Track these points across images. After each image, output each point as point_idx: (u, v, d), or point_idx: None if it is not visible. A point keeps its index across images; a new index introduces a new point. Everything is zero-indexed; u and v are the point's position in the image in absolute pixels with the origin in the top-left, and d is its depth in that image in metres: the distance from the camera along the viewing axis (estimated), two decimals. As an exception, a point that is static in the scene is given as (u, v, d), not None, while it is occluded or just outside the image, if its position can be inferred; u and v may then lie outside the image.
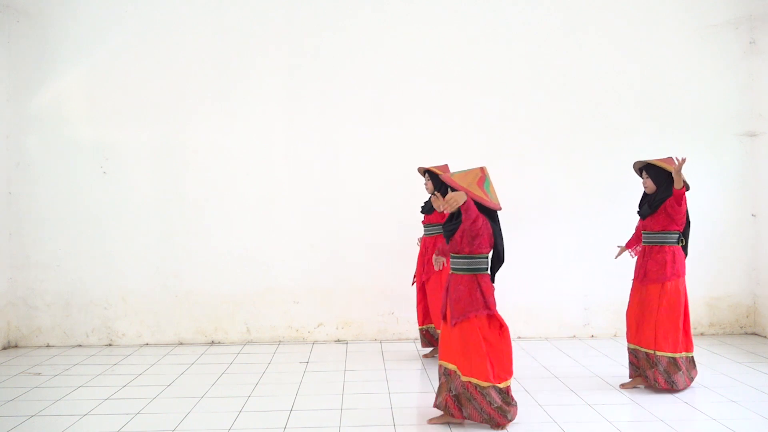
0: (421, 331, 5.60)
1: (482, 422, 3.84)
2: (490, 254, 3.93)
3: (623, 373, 4.98)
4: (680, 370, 4.49)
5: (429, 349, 5.77)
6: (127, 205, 6.26)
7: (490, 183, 3.94)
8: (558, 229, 6.41)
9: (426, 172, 5.45)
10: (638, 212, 4.76)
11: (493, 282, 3.95)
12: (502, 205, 3.97)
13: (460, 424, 3.94)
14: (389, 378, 5.02)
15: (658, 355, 4.51)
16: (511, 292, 6.37)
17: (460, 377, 3.83)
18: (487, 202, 3.84)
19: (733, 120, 6.51)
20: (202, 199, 6.29)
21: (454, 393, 3.86)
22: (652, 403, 4.33)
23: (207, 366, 5.44)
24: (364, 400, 4.45)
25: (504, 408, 3.82)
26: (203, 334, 6.30)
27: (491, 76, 6.41)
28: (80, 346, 6.22)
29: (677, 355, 4.50)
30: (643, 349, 4.60)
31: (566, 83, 6.43)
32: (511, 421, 3.89)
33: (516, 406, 3.93)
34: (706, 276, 6.44)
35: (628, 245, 4.94)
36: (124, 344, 6.25)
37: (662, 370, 4.49)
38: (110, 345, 6.25)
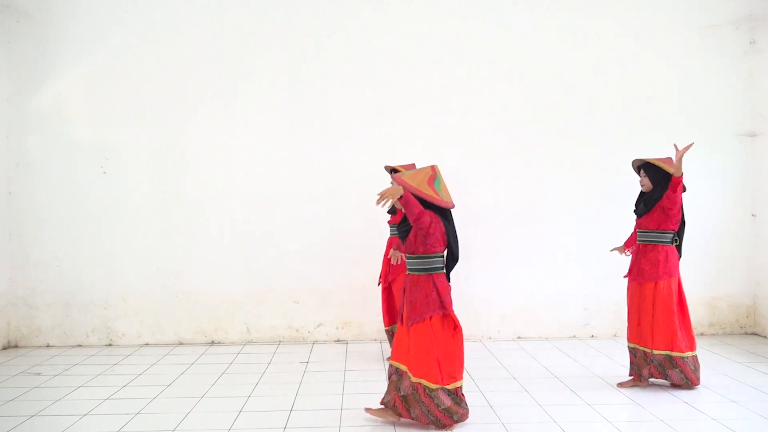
0: (387, 332, 5.54)
1: (428, 424, 3.82)
2: (446, 253, 3.92)
3: (623, 373, 4.98)
4: (677, 367, 4.51)
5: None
6: (127, 205, 6.26)
7: (441, 181, 3.92)
8: (558, 229, 6.41)
9: (392, 170, 5.40)
10: (634, 210, 4.78)
11: (449, 281, 3.93)
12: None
13: (407, 424, 3.94)
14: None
15: (654, 353, 4.54)
16: (511, 292, 6.40)
17: (410, 378, 3.81)
18: (438, 200, 3.82)
19: (733, 120, 6.51)
20: (202, 199, 6.28)
21: (402, 393, 3.85)
22: (652, 403, 4.33)
23: (207, 366, 5.44)
24: (364, 400, 4.44)
25: (452, 409, 3.80)
26: (203, 334, 6.30)
27: (492, 77, 6.40)
28: (80, 346, 6.22)
29: (674, 354, 4.51)
30: (641, 348, 4.63)
31: (566, 83, 6.43)
32: (458, 422, 3.86)
33: (466, 408, 3.90)
34: (706, 276, 6.44)
35: (627, 245, 4.95)
36: (124, 344, 6.25)
37: (656, 364, 4.54)
38: (110, 345, 6.25)
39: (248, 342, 6.29)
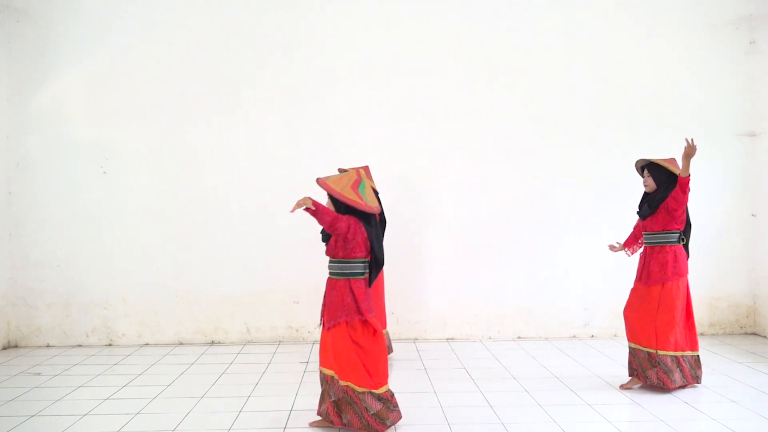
0: None
1: (361, 428, 3.76)
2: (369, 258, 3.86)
3: (623, 373, 4.98)
4: (681, 368, 4.50)
5: None
6: (127, 205, 6.26)
7: (367, 185, 3.88)
8: (558, 230, 6.41)
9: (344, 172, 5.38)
10: (638, 212, 4.76)
11: (369, 286, 3.86)
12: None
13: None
14: (389, 378, 5.00)
15: (659, 354, 4.51)
16: (511, 292, 6.40)
17: (338, 382, 3.76)
18: (361, 205, 3.76)
19: (733, 120, 6.52)
20: (202, 199, 6.28)
21: (333, 399, 3.79)
22: (652, 403, 4.33)
23: (207, 366, 5.44)
24: (364, 400, 4.44)
25: (382, 414, 3.76)
26: (203, 334, 6.30)
27: (493, 78, 6.40)
28: (80, 346, 6.22)
29: (679, 354, 4.50)
30: (645, 349, 4.60)
31: (567, 84, 6.43)
32: (390, 426, 3.83)
33: (398, 410, 3.86)
34: (707, 276, 6.44)
35: (626, 244, 4.94)
36: (124, 344, 6.25)
37: (664, 368, 4.49)
38: (110, 345, 6.25)
39: (248, 342, 6.29)
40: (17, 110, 6.21)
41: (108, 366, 5.47)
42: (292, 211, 3.62)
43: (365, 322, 3.80)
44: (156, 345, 6.23)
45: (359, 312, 3.76)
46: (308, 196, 3.63)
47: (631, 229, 4.96)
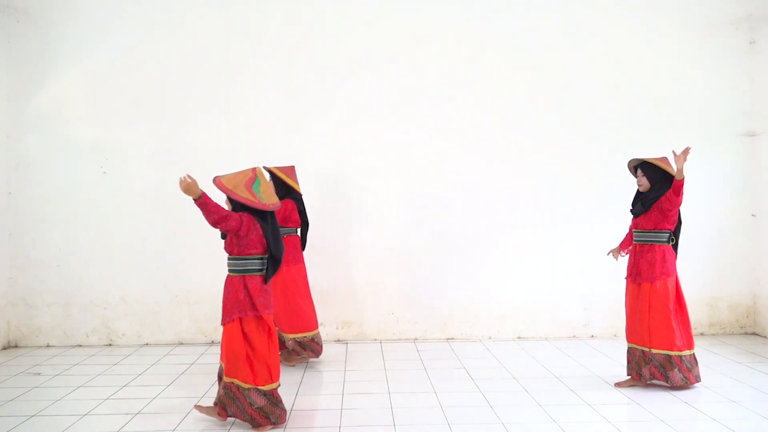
0: None
1: (245, 421, 3.84)
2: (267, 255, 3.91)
3: (623, 372, 4.98)
4: (675, 367, 4.51)
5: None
6: (127, 205, 6.26)
7: (262, 183, 3.91)
8: (558, 229, 6.41)
9: (270, 171, 5.38)
10: (631, 210, 4.78)
11: (266, 283, 3.90)
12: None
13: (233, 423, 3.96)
14: (389, 378, 5.02)
15: (653, 352, 4.55)
16: (511, 292, 6.40)
17: (223, 378, 3.85)
18: (254, 203, 3.80)
19: (733, 120, 6.51)
20: (202, 199, 6.27)
21: (218, 394, 3.88)
22: (652, 403, 4.34)
23: (207, 366, 5.44)
24: (364, 400, 4.45)
25: (266, 409, 3.82)
26: (203, 334, 6.30)
27: (493, 77, 6.40)
28: (80, 346, 6.22)
29: (672, 353, 4.51)
30: (639, 347, 4.63)
31: (567, 84, 6.43)
32: (275, 424, 3.87)
33: (285, 411, 3.92)
34: (706, 276, 6.45)
35: (622, 246, 4.95)
36: (124, 344, 6.25)
37: (657, 365, 4.54)
38: (110, 345, 6.25)
39: (248, 342, 6.29)
40: (17, 110, 6.21)
41: (108, 366, 5.47)
42: (182, 188, 3.67)
43: (260, 319, 3.84)
44: (156, 345, 6.23)
45: (254, 308, 3.81)
46: (196, 187, 3.67)
47: (627, 231, 4.97)
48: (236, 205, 3.88)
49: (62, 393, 4.69)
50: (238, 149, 6.31)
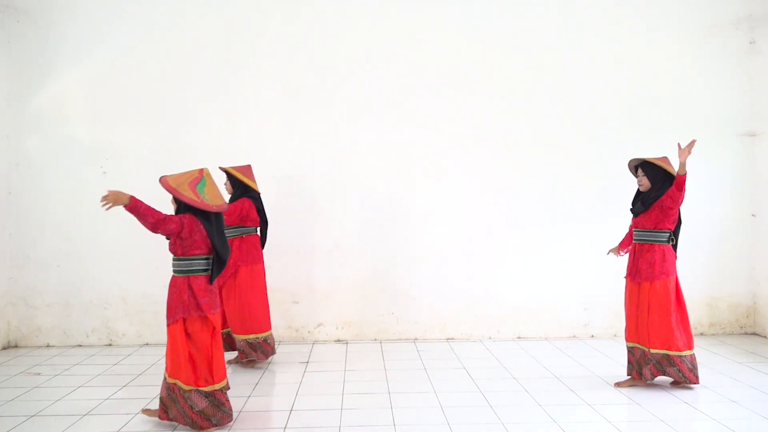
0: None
1: (185, 425, 3.80)
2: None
3: (623, 372, 4.98)
4: (675, 366, 4.51)
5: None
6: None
7: (207, 184, 3.90)
8: (558, 230, 6.41)
9: (226, 171, 5.35)
10: (631, 210, 4.78)
11: (211, 283, 3.89)
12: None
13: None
14: (389, 378, 5.02)
15: (652, 352, 4.55)
16: (511, 292, 6.40)
17: (166, 379, 3.82)
18: (197, 203, 3.78)
19: (733, 120, 6.51)
20: (202, 199, 6.27)
21: (161, 395, 3.85)
22: (652, 403, 4.34)
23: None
24: (364, 400, 4.45)
25: (207, 412, 3.79)
26: (203, 334, 6.29)
27: (493, 78, 6.40)
28: (80, 346, 6.22)
29: (671, 353, 4.52)
30: (640, 347, 4.64)
31: (567, 84, 6.43)
32: (217, 425, 3.85)
33: (229, 414, 3.89)
34: (706, 276, 6.44)
35: (622, 245, 4.96)
36: (124, 344, 6.24)
37: (656, 363, 4.54)
38: (110, 345, 6.25)
39: (248, 342, 6.29)
40: (17, 110, 6.21)
41: (108, 366, 5.46)
42: (105, 204, 3.66)
43: (205, 319, 3.83)
44: (156, 345, 6.23)
45: (198, 308, 3.79)
46: (122, 193, 3.64)
47: (627, 230, 4.97)
48: (181, 205, 3.87)
49: (62, 393, 4.69)
50: (237, 149, 6.29)
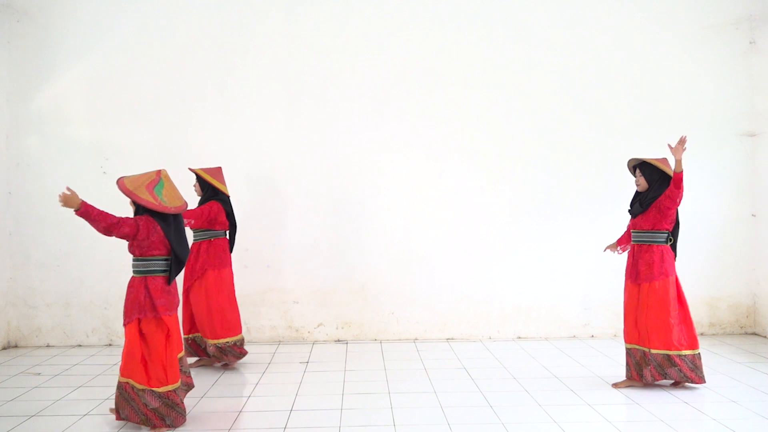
0: (186, 340, 5.24)
1: (139, 423, 3.81)
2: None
3: (623, 373, 4.97)
4: (675, 366, 4.51)
5: (195, 359, 5.42)
6: (127, 205, 6.23)
7: (165, 185, 3.92)
8: (558, 229, 6.41)
9: (196, 173, 5.32)
10: (629, 211, 4.78)
11: (169, 284, 3.89)
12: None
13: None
14: (389, 378, 5.02)
15: (652, 352, 4.54)
16: (511, 292, 6.40)
17: (119, 378, 3.83)
18: (154, 205, 3.80)
19: (733, 120, 6.51)
20: (202, 199, 6.28)
21: (116, 394, 3.87)
22: (652, 403, 4.34)
23: (207, 366, 5.44)
24: (364, 400, 4.45)
25: (161, 411, 3.80)
26: (203, 334, 6.29)
27: (493, 78, 6.40)
28: (80, 346, 6.22)
29: (671, 353, 4.51)
30: (640, 348, 4.63)
31: (567, 84, 6.43)
32: (171, 426, 3.85)
33: (182, 414, 3.89)
34: (706, 276, 6.45)
35: (619, 242, 4.96)
36: (124, 344, 6.24)
37: (656, 365, 4.53)
38: (110, 345, 6.25)
39: (248, 342, 6.28)
40: (17, 110, 6.21)
41: (108, 366, 5.46)
42: (62, 202, 3.70)
43: (159, 320, 3.83)
44: (156, 345, 6.22)
45: (154, 309, 3.81)
46: (74, 197, 3.68)
47: (626, 229, 4.97)
48: (139, 207, 3.89)
49: (62, 393, 4.69)
50: (237, 149, 6.30)
